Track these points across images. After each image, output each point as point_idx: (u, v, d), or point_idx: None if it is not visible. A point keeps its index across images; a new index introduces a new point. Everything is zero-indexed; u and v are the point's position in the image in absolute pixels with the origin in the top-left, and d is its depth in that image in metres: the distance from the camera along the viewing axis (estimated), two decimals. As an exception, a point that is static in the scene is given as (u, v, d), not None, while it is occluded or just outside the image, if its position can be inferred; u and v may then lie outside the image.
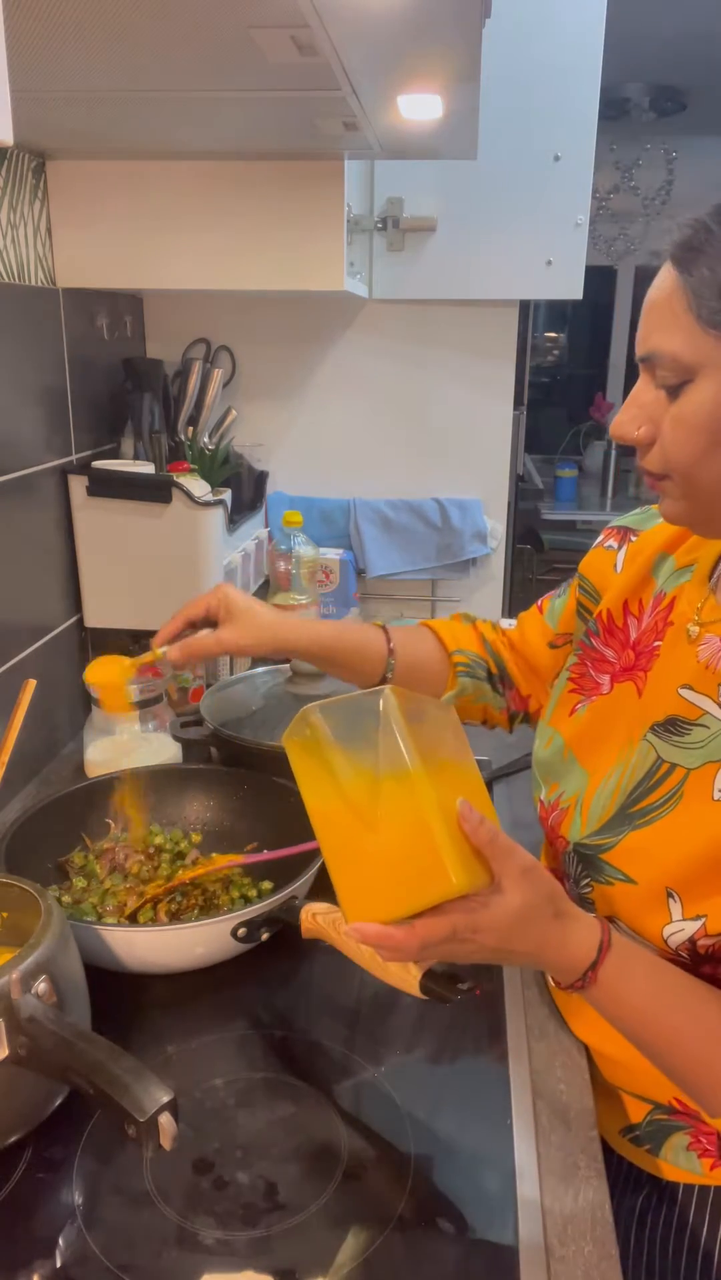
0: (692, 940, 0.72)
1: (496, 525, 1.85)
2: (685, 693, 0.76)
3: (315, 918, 0.88)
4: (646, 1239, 0.85)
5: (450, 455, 1.82)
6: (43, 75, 0.91)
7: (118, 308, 1.61)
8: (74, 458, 1.43)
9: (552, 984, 0.92)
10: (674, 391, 0.70)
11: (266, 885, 1.03)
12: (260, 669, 1.39)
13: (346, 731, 0.68)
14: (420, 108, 1.03)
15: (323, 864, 0.92)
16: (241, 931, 0.89)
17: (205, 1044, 0.87)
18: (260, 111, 1.06)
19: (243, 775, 1.15)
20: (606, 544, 0.96)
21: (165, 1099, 0.62)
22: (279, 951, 0.94)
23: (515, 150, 1.57)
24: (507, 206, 1.61)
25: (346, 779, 0.67)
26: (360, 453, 1.83)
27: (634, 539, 0.93)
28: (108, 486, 1.38)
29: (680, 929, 0.72)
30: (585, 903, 0.79)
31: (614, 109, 3.73)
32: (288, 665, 1.30)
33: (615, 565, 0.93)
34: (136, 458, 1.52)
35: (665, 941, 0.73)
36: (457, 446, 1.81)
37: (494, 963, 0.75)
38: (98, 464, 1.42)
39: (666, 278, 0.69)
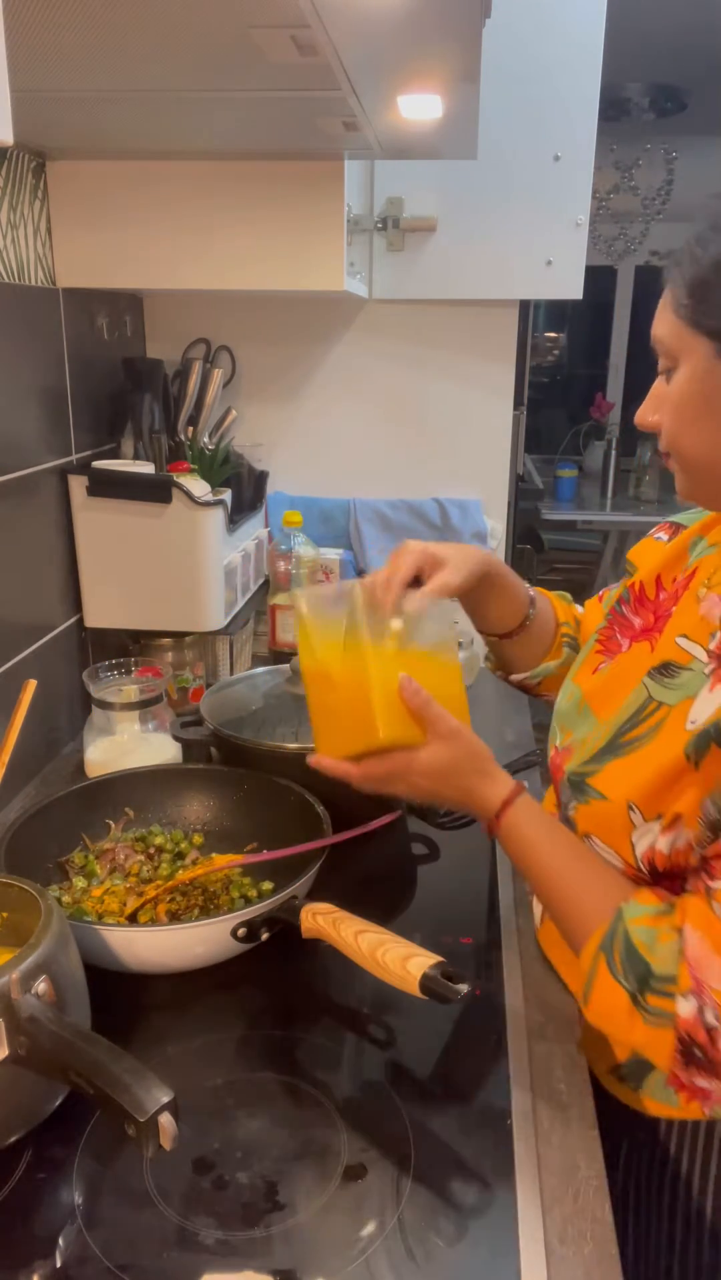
0: (653, 852, 0.78)
1: (496, 525, 1.85)
2: (681, 641, 0.84)
3: (315, 918, 0.88)
4: (632, 1174, 0.92)
5: (450, 455, 1.82)
6: (43, 75, 0.91)
7: (118, 308, 1.61)
8: (74, 458, 1.43)
9: (537, 926, 1.01)
10: (668, 377, 0.81)
11: (266, 885, 1.03)
12: (260, 669, 1.39)
13: (325, 612, 0.91)
14: (420, 108, 1.03)
15: (322, 863, 0.94)
16: (241, 931, 0.89)
17: (205, 1044, 0.87)
18: (260, 111, 1.06)
19: (242, 775, 1.15)
20: (657, 535, 1.02)
21: (165, 1099, 0.62)
22: (279, 951, 0.94)
23: (515, 150, 1.57)
24: (507, 206, 1.61)
25: (320, 647, 0.91)
26: (360, 453, 1.83)
27: (681, 527, 0.99)
28: (108, 486, 1.38)
29: (644, 833, 0.79)
30: (570, 824, 0.87)
31: (614, 109, 3.73)
32: (287, 665, 1.30)
33: (662, 542, 1.00)
34: (136, 458, 1.52)
35: (633, 853, 0.80)
36: (457, 446, 1.81)
37: (431, 800, 0.92)
38: (98, 464, 1.42)
39: (665, 295, 0.80)
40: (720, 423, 0.78)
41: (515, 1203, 0.71)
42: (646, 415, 0.85)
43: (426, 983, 0.77)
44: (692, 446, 0.80)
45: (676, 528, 1.00)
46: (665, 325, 0.79)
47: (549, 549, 3.82)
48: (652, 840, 0.78)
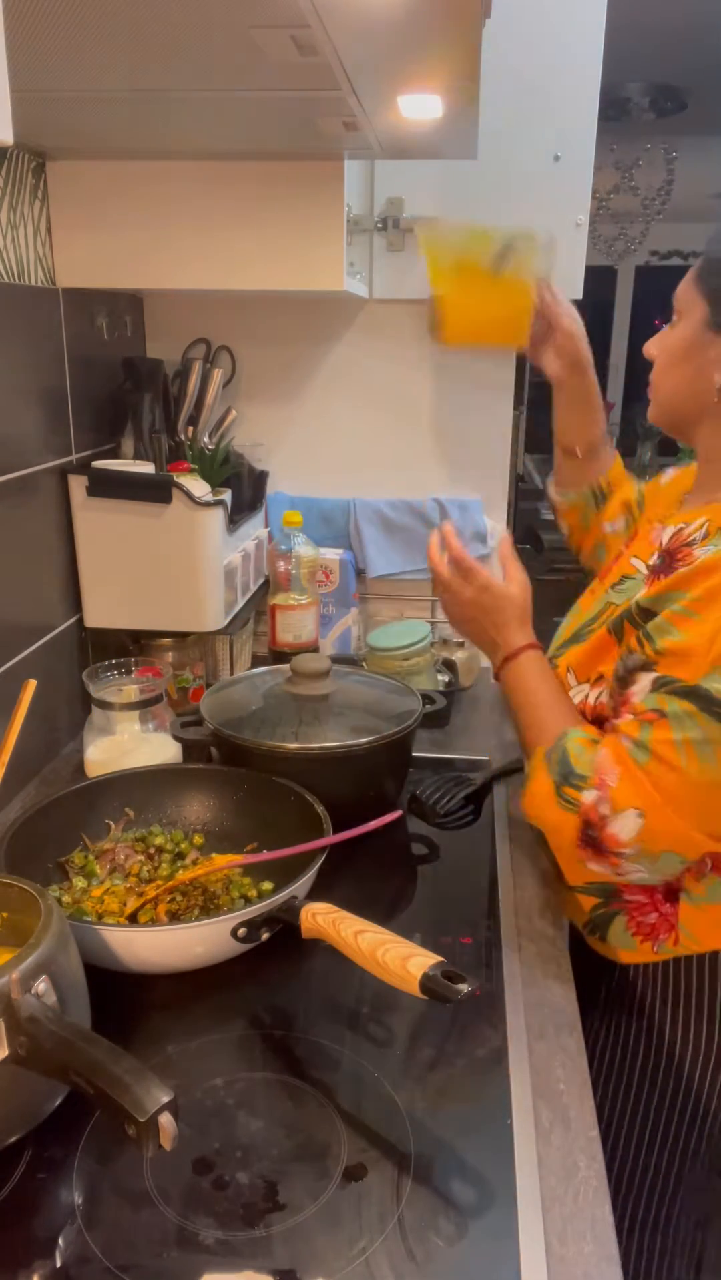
0: (585, 704, 1.04)
1: (496, 525, 1.85)
2: (633, 560, 1.08)
3: (315, 918, 0.88)
4: (612, 1023, 1.11)
5: (450, 455, 1.82)
6: (43, 75, 0.91)
7: (118, 308, 1.61)
8: (74, 458, 1.43)
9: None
10: (671, 327, 1.04)
11: (266, 885, 1.03)
12: (260, 669, 1.39)
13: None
14: (420, 108, 1.03)
15: (322, 863, 0.94)
16: (241, 931, 0.89)
17: (205, 1044, 0.87)
18: (260, 111, 1.06)
19: (243, 775, 1.15)
20: (664, 478, 1.24)
21: (165, 1099, 0.62)
22: (279, 951, 0.94)
23: (515, 150, 1.57)
24: (507, 206, 1.61)
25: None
26: (360, 453, 1.83)
27: (678, 470, 1.21)
28: (108, 486, 1.39)
29: (578, 691, 1.05)
30: None
31: (614, 109, 3.73)
32: (288, 665, 1.30)
33: (660, 482, 1.24)
34: (136, 458, 1.52)
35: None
36: (457, 446, 1.81)
37: (468, 626, 1.14)
38: (98, 464, 1.42)
39: (698, 262, 1.02)
40: (690, 373, 1.01)
41: (515, 1203, 0.71)
42: (650, 348, 1.07)
43: (426, 983, 0.77)
44: (666, 386, 1.05)
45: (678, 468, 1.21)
46: (682, 286, 1.02)
47: (549, 549, 3.81)
48: (584, 696, 1.04)
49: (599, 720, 1.01)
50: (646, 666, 0.93)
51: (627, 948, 1.06)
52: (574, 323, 1.27)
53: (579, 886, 1.08)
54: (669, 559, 0.99)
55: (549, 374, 1.28)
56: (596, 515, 1.34)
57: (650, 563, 1.03)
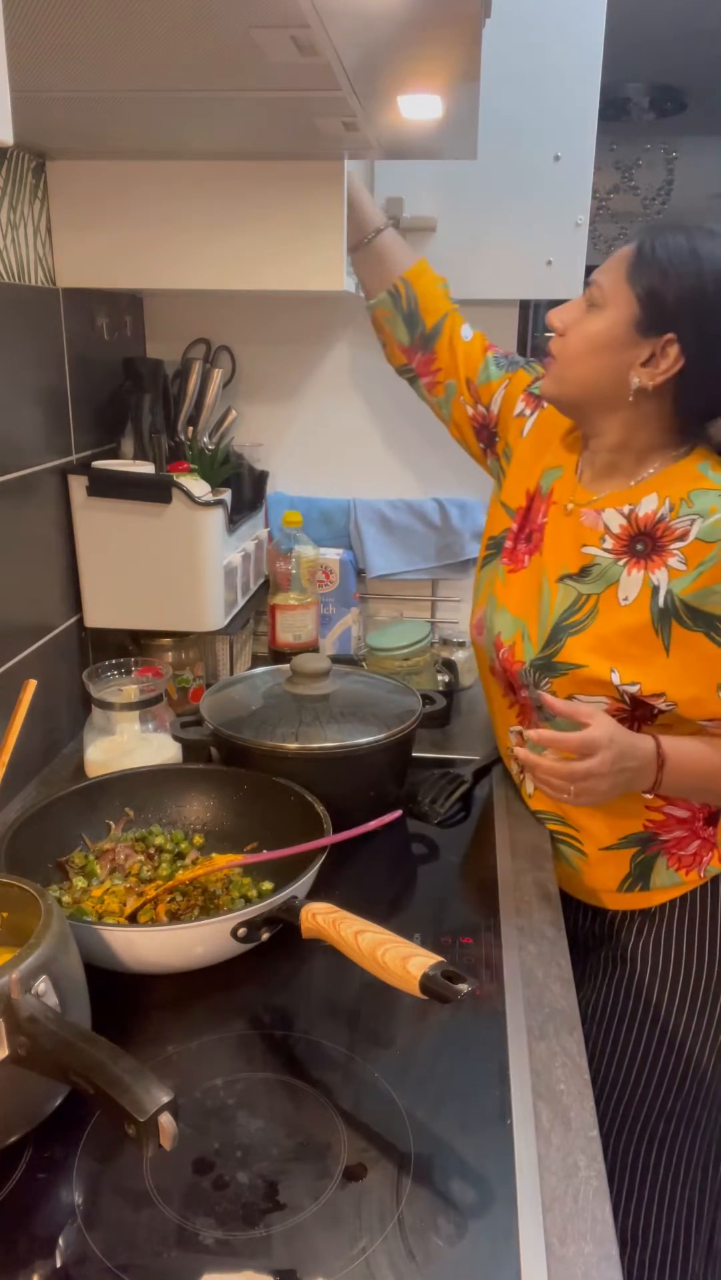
0: (634, 696, 1.07)
1: (496, 525, 1.85)
2: (585, 549, 1.13)
3: (315, 918, 0.88)
4: (599, 972, 1.23)
5: (450, 455, 1.81)
6: (43, 75, 0.91)
7: (118, 308, 1.61)
8: (74, 458, 1.43)
9: (527, 795, 1.25)
10: (592, 308, 1.06)
11: (266, 885, 1.03)
12: (260, 669, 1.39)
13: None
14: (420, 108, 1.03)
15: (322, 863, 0.94)
16: (241, 931, 0.89)
17: (205, 1044, 0.87)
18: (260, 111, 1.06)
19: (242, 775, 1.15)
20: (521, 411, 1.30)
21: (165, 1099, 0.62)
22: (279, 951, 0.94)
23: (515, 150, 1.57)
24: (507, 206, 1.61)
25: None
26: (360, 453, 1.83)
27: (542, 410, 1.27)
28: (108, 486, 1.38)
29: (623, 690, 1.08)
30: (544, 695, 1.08)
31: (614, 109, 3.73)
32: (288, 665, 1.30)
33: (522, 431, 1.29)
34: (136, 458, 1.51)
35: (618, 693, 1.08)
36: (458, 446, 1.81)
37: (618, 779, 1.07)
38: (98, 464, 1.42)
39: (630, 247, 1.05)
40: (607, 367, 1.05)
41: (515, 1203, 0.71)
42: (556, 320, 1.09)
43: (426, 983, 0.77)
44: (577, 371, 1.08)
45: (537, 401, 1.28)
46: (610, 274, 1.04)
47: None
48: (632, 691, 1.07)
49: (641, 703, 1.07)
50: None
51: (674, 883, 1.16)
52: None
53: (614, 845, 1.17)
54: (650, 542, 1.07)
55: None
56: (410, 335, 1.38)
57: (605, 548, 1.11)
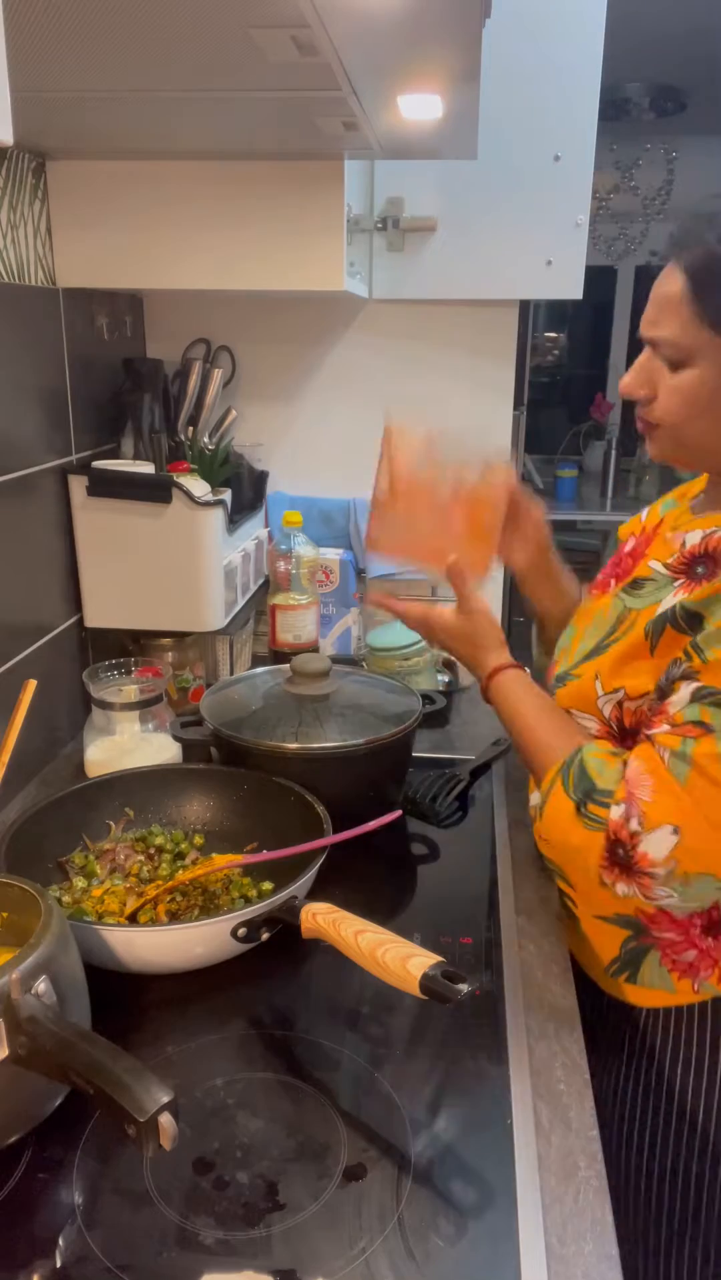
0: (620, 709, 0.95)
1: (496, 525, 1.84)
2: (651, 563, 1.00)
3: (315, 918, 0.88)
4: (621, 1069, 1.05)
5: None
6: (43, 75, 0.91)
7: (118, 308, 1.61)
8: (74, 458, 1.43)
9: (534, 820, 1.08)
10: (674, 367, 0.91)
11: (266, 885, 1.03)
12: (260, 669, 1.39)
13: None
14: (420, 108, 1.03)
15: (322, 863, 0.93)
16: (241, 931, 0.89)
17: (205, 1044, 0.87)
18: (260, 111, 1.06)
19: (242, 775, 1.15)
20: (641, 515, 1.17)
21: (165, 1099, 0.62)
22: (279, 951, 0.94)
23: (515, 150, 1.57)
24: (507, 206, 1.61)
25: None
26: (360, 453, 1.81)
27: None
28: (108, 486, 1.38)
29: (606, 700, 0.96)
30: None
31: (614, 109, 3.73)
32: (288, 665, 1.30)
33: (641, 517, 1.15)
34: (136, 458, 1.51)
35: (600, 711, 0.97)
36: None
37: (445, 648, 1.15)
38: (98, 464, 1.42)
39: (670, 275, 0.89)
40: (714, 420, 0.92)
41: (515, 1203, 0.71)
42: (636, 388, 0.95)
43: (426, 983, 0.77)
44: (696, 436, 0.94)
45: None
46: (674, 322, 0.88)
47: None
48: (614, 704, 0.96)
49: (630, 732, 0.95)
50: (688, 676, 0.87)
51: (665, 988, 1.00)
52: (540, 509, 1.22)
53: (606, 917, 1.02)
54: (711, 563, 0.92)
55: (516, 566, 1.23)
56: None
57: (669, 562, 0.97)
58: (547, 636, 1.24)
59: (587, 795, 0.89)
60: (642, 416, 0.97)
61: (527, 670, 1.08)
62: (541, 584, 1.23)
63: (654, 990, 1.00)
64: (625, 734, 0.95)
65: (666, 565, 0.97)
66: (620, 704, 0.95)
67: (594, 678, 0.98)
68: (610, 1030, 1.05)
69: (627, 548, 1.10)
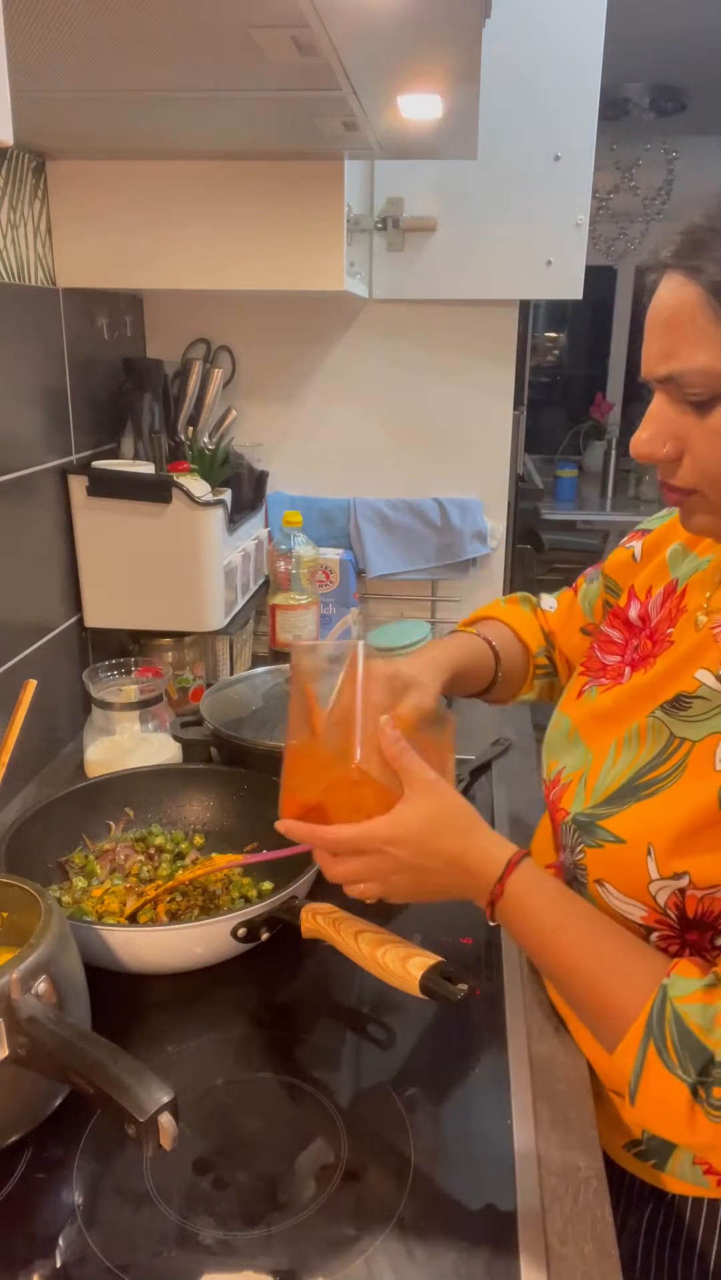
0: (682, 896, 0.71)
1: (496, 525, 1.85)
2: (698, 674, 0.77)
3: (315, 918, 0.88)
4: (655, 1257, 0.84)
5: (450, 455, 1.82)
6: (43, 75, 0.91)
7: (118, 308, 1.61)
8: (74, 458, 1.43)
9: (551, 992, 0.92)
10: (704, 406, 0.69)
11: (266, 885, 1.03)
12: (260, 669, 1.39)
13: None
14: (420, 108, 1.03)
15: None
16: (241, 931, 0.89)
17: (205, 1044, 0.87)
18: (260, 111, 1.06)
19: (242, 775, 1.15)
20: (628, 544, 0.99)
21: (165, 1099, 0.62)
22: (279, 951, 0.94)
23: (515, 150, 1.57)
24: (507, 206, 1.61)
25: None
26: (360, 453, 1.83)
27: (650, 532, 0.96)
28: (108, 486, 1.38)
29: (662, 886, 0.72)
30: (578, 869, 0.80)
31: (614, 109, 3.73)
32: (287, 665, 1.30)
33: (634, 556, 0.96)
34: (136, 458, 1.52)
35: (653, 898, 0.73)
36: (457, 446, 1.81)
37: (419, 890, 0.76)
38: (98, 464, 1.42)
39: (678, 292, 0.68)
40: None
41: (515, 1202, 0.71)
42: (656, 447, 0.72)
43: (426, 983, 0.77)
44: None
45: (644, 533, 0.96)
46: (705, 349, 0.66)
47: (549, 549, 3.82)
48: (677, 889, 0.71)
49: (702, 921, 0.71)
50: None
51: (697, 1183, 0.81)
52: (418, 686, 0.90)
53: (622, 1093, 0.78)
54: None
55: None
56: (559, 671, 1.10)
57: None
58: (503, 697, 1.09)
59: (705, 1073, 0.63)
60: (670, 484, 0.74)
61: (530, 859, 0.76)
62: (452, 689, 1.00)
63: (683, 1184, 0.82)
64: (688, 925, 0.72)
65: (720, 678, 0.75)
66: (682, 891, 0.71)
67: (645, 853, 0.72)
68: (636, 1206, 0.85)
69: (634, 614, 0.90)
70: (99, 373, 1.52)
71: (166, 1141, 0.62)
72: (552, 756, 0.90)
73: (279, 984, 0.94)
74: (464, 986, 0.76)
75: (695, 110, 3.85)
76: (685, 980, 0.66)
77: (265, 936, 0.91)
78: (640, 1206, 0.85)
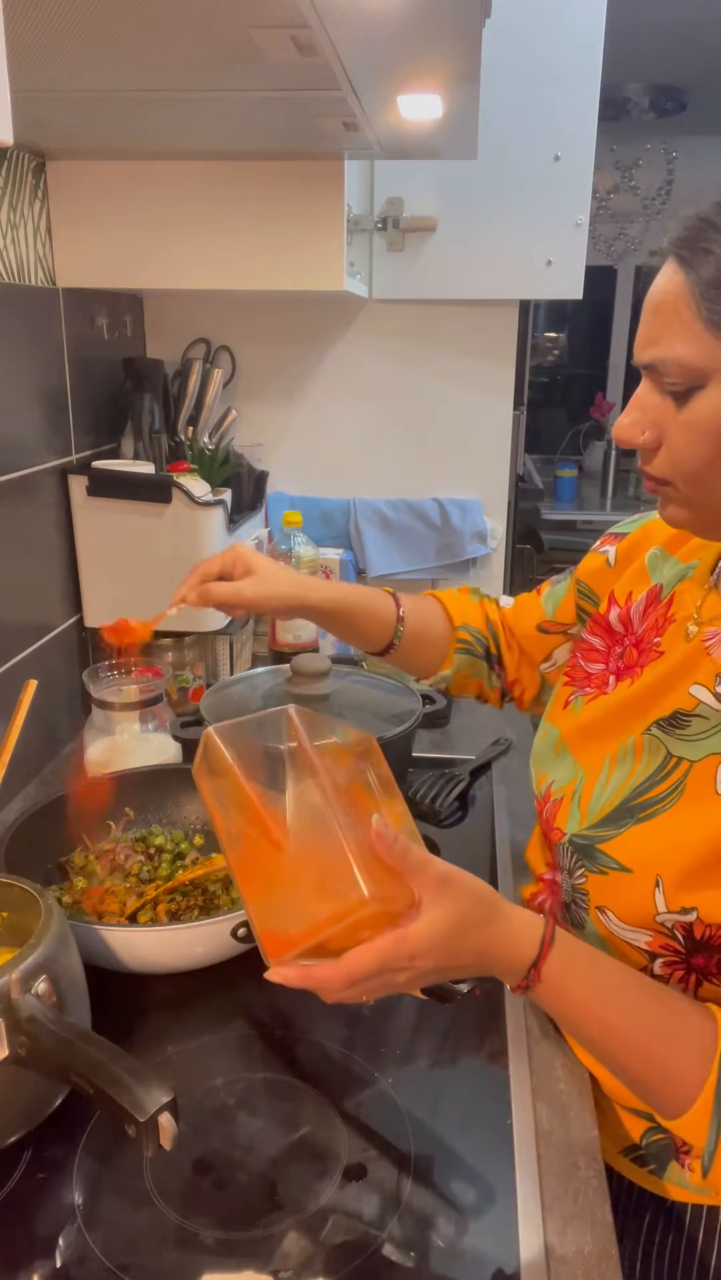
0: (690, 926, 0.71)
1: (496, 525, 1.85)
2: (693, 689, 0.77)
3: (315, 918, 0.87)
4: (654, 1264, 0.83)
5: (450, 455, 1.82)
6: (43, 75, 0.91)
7: (118, 308, 1.61)
8: (74, 458, 1.43)
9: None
10: (681, 397, 0.70)
11: (266, 885, 1.03)
12: (260, 669, 1.39)
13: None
14: (420, 108, 1.03)
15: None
16: (241, 931, 0.89)
17: (205, 1044, 0.87)
18: (260, 111, 1.06)
19: (243, 775, 1.15)
20: (601, 549, 0.97)
21: (165, 1099, 0.62)
22: (279, 951, 0.94)
23: (515, 150, 1.57)
24: (507, 206, 1.61)
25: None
26: (360, 453, 1.83)
27: (624, 536, 0.94)
28: (108, 486, 1.38)
29: (669, 918, 0.72)
30: (578, 893, 0.79)
31: (614, 109, 3.73)
32: (287, 665, 1.30)
33: (608, 561, 0.94)
34: (136, 458, 1.51)
35: (659, 926, 0.73)
36: (457, 446, 1.81)
37: (436, 981, 0.70)
38: (98, 464, 1.42)
39: (670, 280, 0.68)
40: None
41: (515, 1203, 0.71)
42: (635, 433, 0.73)
43: (426, 983, 0.76)
44: (714, 483, 0.71)
45: (618, 537, 0.95)
46: (684, 341, 0.67)
47: (549, 549, 3.82)
48: (685, 923, 0.70)
49: (702, 945, 0.72)
50: None
51: (696, 1191, 0.81)
52: (256, 576, 0.97)
53: (630, 1107, 0.82)
54: None
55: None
56: (503, 666, 1.07)
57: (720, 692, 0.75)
58: (417, 669, 1.08)
59: None
60: (650, 473, 0.74)
61: (561, 933, 0.69)
62: (334, 629, 1.00)
63: (683, 1190, 0.81)
64: (695, 948, 0.72)
65: (719, 696, 0.74)
66: (690, 925, 0.71)
67: (653, 884, 0.72)
68: (636, 1213, 0.85)
69: (615, 619, 0.89)
70: (99, 373, 1.52)
71: (166, 1141, 0.62)
72: (541, 769, 0.88)
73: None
74: (464, 986, 0.75)
75: (695, 110, 3.85)
76: None
77: (265, 936, 0.91)
78: (639, 1213, 0.84)
